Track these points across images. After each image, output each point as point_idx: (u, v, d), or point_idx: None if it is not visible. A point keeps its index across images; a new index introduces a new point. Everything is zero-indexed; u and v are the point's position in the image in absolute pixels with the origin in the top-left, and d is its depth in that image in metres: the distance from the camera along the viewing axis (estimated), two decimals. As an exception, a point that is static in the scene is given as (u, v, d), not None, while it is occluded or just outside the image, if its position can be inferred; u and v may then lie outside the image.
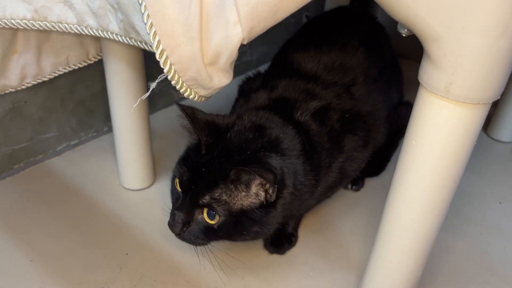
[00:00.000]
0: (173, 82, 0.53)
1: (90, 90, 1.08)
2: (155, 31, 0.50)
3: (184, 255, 0.86)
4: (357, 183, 1.03)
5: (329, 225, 0.96)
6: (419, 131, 0.54)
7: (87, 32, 0.69)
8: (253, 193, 0.68)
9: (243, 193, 0.67)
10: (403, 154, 0.58)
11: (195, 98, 0.57)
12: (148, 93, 0.56)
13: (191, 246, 0.77)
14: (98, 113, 1.13)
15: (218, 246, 0.84)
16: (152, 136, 0.98)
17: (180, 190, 0.71)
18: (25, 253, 0.84)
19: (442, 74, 0.49)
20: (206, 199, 0.67)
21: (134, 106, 0.65)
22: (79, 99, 1.07)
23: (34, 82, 0.88)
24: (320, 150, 0.78)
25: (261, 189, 0.67)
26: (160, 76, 0.55)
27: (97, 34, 0.68)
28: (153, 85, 0.55)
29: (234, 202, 0.67)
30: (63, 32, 0.82)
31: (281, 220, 0.73)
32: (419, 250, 0.65)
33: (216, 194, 0.67)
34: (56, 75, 0.89)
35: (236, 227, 0.69)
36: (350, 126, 0.83)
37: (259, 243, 0.90)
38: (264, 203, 0.68)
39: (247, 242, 0.89)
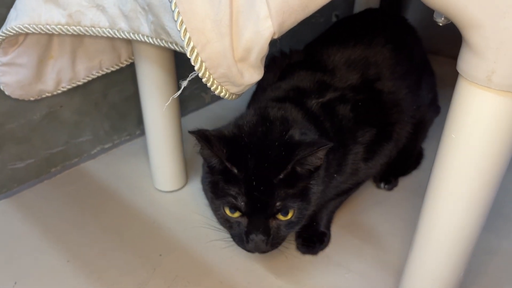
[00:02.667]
0: (204, 80, 0.53)
1: (122, 94, 1.10)
2: (185, 28, 0.50)
3: (217, 256, 0.86)
4: (389, 181, 1.01)
5: (363, 225, 0.93)
6: (459, 124, 0.51)
7: (119, 35, 0.70)
8: (306, 171, 0.69)
9: (302, 177, 0.69)
10: (442, 148, 0.55)
11: (226, 96, 0.57)
12: (179, 92, 0.56)
13: (222, 247, 0.77)
14: (130, 116, 1.15)
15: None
16: (183, 138, 0.99)
17: (239, 215, 0.70)
18: (62, 254, 0.86)
19: (483, 63, 0.46)
20: (278, 205, 0.68)
21: (166, 105, 0.65)
22: (112, 103, 1.09)
23: (69, 86, 0.90)
24: (333, 137, 0.77)
25: (311, 165, 0.69)
26: (191, 74, 0.54)
27: (128, 37, 0.69)
28: (184, 83, 0.55)
29: (298, 188, 0.69)
30: (96, 36, 0.84)
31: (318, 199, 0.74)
32: (460, 251, 0.62)
33: (283, 195, 0.67)
34: (90, 79, 0.91)
35: (306, 206, 0.71)
36: (367, 118, 0.82)
37: (292, 245, 0.88)
38: (312, 169, 0.70)
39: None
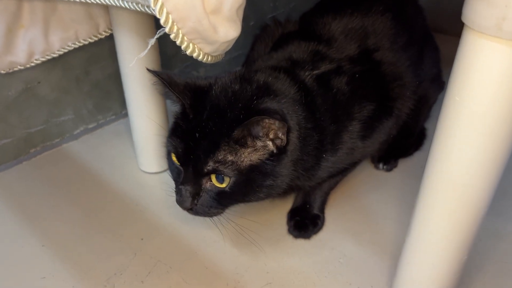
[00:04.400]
0: (172, 36, 0.47)
1: (105, 71, 1.03)
2: (147, -27, 0.43)
3: (203, 240, 0.80)
4: (388, 162, 0.94)
5: (360, 207, 0.87)
6: (464, 83, 0.44)
7: (92, 0, 0.63)
8: (260, 146, 0.62)
9: (250, 149, 0.62)
10: (444, 113, 0.48)
11: (200, 56, 0.51)
12: (146, 51, 0.50)
13: (210, 229, 0.71)
14: (115, 95, 1.09)
15: (242, 228, 0.77)
16: (170, 117, 0.93)
17: (178, 163, 0.64)
18: (38, 238, 0.80)
19: (492, 8, 0.39)
20: (210, 165, 0.61)
21: (131, 65, 0.58)
22: (94, 80, 1.03)
23: (43, 59, 0.84)
24: (325, 112, 0.70)
25: (268, 139, 0.61)
26: (159, 30, 0.48)
27: (102, 2, 0.63)
28: (151, 41, 0.49)
29: (241, 160, 0.61)
30: (70, 3, 0.78)
31: (292, 175, 0.66)
32: (462, 235, 0.56)
33: (220, 157, 0.61)
34: (66, 50, 0.84)
35: (248, 185, 0.63)
36: (363, 91, 0.75)
37: (283, 227, 0.82)
38: (274, 151, 0.62)
39: (270, 226, 0.82)
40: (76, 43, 0.85)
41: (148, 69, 0.62)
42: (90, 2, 0.64)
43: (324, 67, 0.74)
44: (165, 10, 0.45)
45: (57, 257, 0.77)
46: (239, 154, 0.61)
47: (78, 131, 1.05)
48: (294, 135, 0.64)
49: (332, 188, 0.86)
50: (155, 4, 0.44)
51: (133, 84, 0.86)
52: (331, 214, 0.85)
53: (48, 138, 1.01)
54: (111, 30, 0.88)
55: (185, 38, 0.47)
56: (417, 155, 1.00)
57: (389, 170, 0.96)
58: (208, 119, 0.61)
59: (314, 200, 0.83)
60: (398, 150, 0.95)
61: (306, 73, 0.72)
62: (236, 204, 0.68)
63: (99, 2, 0.63)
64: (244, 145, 0.61)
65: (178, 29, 0.46)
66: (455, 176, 0.50)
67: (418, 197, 0.58)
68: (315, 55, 0.76)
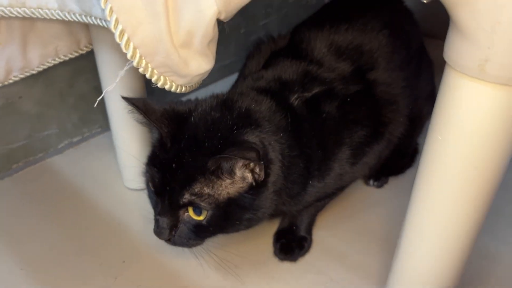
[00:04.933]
0: (140, 70, 0.44)
1: (91, 83, 1.01)
2: (111, 7, 0.41)
3: (186, 262, 0.78)
4: (379, 178, 0.92)
5: (348, 227, 0.85)
6: (446, 123, 0.42)
7: (70, 18, 0.60)
8: (238, 178, 0.59)
9: (228, 181, 0.59)
10: (427, 151, 0.46)
11: (173, 88, 0.48)
12: (115, 84, 0.48)
13: (193, 252, 0.69)
14: (101, 107, 1.05)
15: (225, 255, 0.75)
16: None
17: (154, 194, 0.63)
18: (16, 261, 0.78)
19: (475, 49, 0.37)
20: (186, 197, 0.59)
21: (98, 99, 0.56)
22: (79, 93, 1.01)
23: (22, 76, 0.81)
24: (312, 138, 0.68)
25: (247, 171, 0.59)
26: (128, 63, 0.46)
27: (81, 19, 0.60)
28: (121, 73, 0.47)
29: (219, 192, 0.59)
30: (48, 20, 0.75)
31: (275, 204, 0.64)
32: (452, 259, 0.54)
33: (196, 190, 0.58)
34: (46, 67, 0.82)
35: (227, 218, 0.61)
36: (355, 115, 0.72)
37: (269, 249, 0.80)
38: (253, 184, 0.60)
39: (256, 247, 0.80)
40: (56, 59, 0.82)
41: (123, 97, 0.60)
42: (68, 19, 0.61)
43: (315, 89, 0.71)
44: (131, 45, 0.42)
45: (35, 281, 0.75)
46: (216, 187, 0.59)
47: (62, 145, 1.03)
48: (276, 167, 0.62)
49: (319, 210, 0.83)
50: (121, 39, 0.42)
51: (114, 99, 0.83)
52: (318, 235, 0.83)
53: (31, 153, 0.99)
54: (92, 45, 0.85)
55: (155, 71, 0.45)
56: (408, 171, 0.98)
57: (379, 186, 0.93)
58: (185, 149, 0.59)
59: (301, 222, 0.80)
60: (389, 169, 0.93)
61: (295, 96, 0.70)
62: (215, 235, 0.66)
63: (77, 19, 0.60)
64: (220, 177, 0.59)
65: (146, 63, 0.44)
66: (438, 214, 0.48)
67: (404, 223, 0.56)
68: (305, 76, 0.73)
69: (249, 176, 0.59)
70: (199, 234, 0.62)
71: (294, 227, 0.80)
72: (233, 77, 1.26)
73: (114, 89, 0.81)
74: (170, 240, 0.63)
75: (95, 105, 0.49)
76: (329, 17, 0.84)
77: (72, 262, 0.79)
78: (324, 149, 0.69)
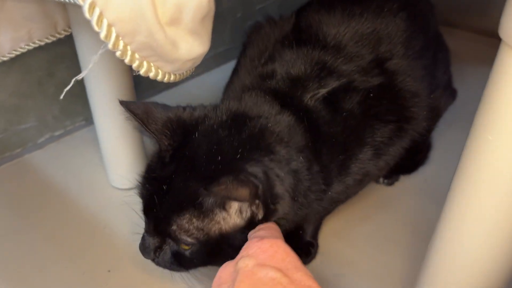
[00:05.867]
0: (118, 54, 0.36)
1: (73, 71, 0.91)
2: (77, -27, 0.32)
3: (177, 273, 0.70)
4: (390, 176, 0.84)
5: (358, 229, 0.77)
6: (500, 119, 0.34)
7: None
8: (233, 213, 0.50)
9: (221, 215, 0.51)
10: (470, 155, 0.38)
11: (159, 77, 0.40)
12: (86, 71, 0.39)
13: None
14: (85, 98, 0.96)
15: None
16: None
17: (142, 211, 0.55)
18: (-11, 270, 0.70)
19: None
20: (172, 229, 0.51)
21: (65, 89, 0.47)
22: (60, 82, 0.91)
23: (-8, 63, 0.72)
24: (332, 144, 0.59)
25: (245, 206, 0.50)
26: (102, 46, 0.37)
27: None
28: (94, 59, 0.38)
29: (209, 227, 0.51)
30: (20, 1, 0.66)
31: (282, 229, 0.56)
32: (493, 270, 0.46)
33: (183, 221, 0.50)
34: (19, 53, 0.73)
35: (214, 255, 0.53)
36: (377, 111, 0.63)
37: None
38: (255, 220, 0.51)
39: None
40: (31, 44, 0.73)
41: (120, 101, 0.51)
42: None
43: (332, 84, 0.62)
44: (105, 21, 0.33)
45: (10, 292, 0.67)
46: (206, 221, 0.51)
47: (42, 139, 0.94)
48: (285, 202, 0.52)
49: (327, 214, 0.75)
50: (91, 14, 0.33)
51: (97, 88, 0.75)
52: (326, 241, 0.75)
53: (7, 149, 0.90)
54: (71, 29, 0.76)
55: (136, 55, 0.36)
56: (420, 168, 0.90)
57: (390, 184, 0.85)
58: (181, 171, 0.51)
59: (308, 226, 0.72)
60: (402, 166, 0.84)
61: (311, 95, 0.61)
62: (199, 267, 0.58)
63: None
64: (212, 210, 0.50)
65: (125, 45, 0.35)
66: (485, 227, 0.40)
67: (437, 228, 0.47)
68: (320, 68, 0.64)
69: (247, 211, 0.50)
70: (182, 263, 0.56)
71: (300, 232, 0.72)
72: (229, 65, 1.17)
73: (97, 78, 0.73)
74: (154, 261, 0.57)
75: (61, 97, 0.40)
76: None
77: (52, 270, 0.70)
78: (345, 153, 0.60)
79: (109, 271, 0.71)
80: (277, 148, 0.53)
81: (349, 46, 0.66)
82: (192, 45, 0.36)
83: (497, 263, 0.43)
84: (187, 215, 0.50)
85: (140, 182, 0.56)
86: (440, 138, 0.92)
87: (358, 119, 0.61)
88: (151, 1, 0.32)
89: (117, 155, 0.82)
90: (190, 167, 0.50)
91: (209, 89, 1.11)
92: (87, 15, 0.33)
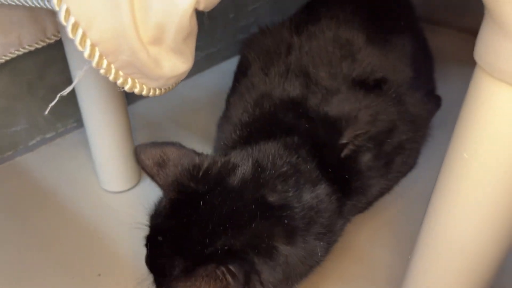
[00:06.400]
0: (102, 72, 0.36)
1: (63, 74, 0.91)
2: (59, -6, 0.32)
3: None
4: None
5: (345, 233, 0.78)
6: (476, 139, 0.35)
7: (25, 3, 0.52)
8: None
9: None
10: (447, 172, 0.39)
11: (144, 92, 0.40)
12: (72, 86, 0.39)
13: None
14: (76, 100, 0.97)
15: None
16: (139, 125, 0.82)
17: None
18: (-22, 274, 0.71)
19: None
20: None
21: (49, 106, 0.47)
22: (50, 84, 0.91)
23: (-19, 68, 0.72)
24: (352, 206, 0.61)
25: None
26: (86, 63, 0.37)
27: (37, 4, 0.51)
28: (79, 75, 0.38)
29: None
30: (6, 5, 0.66)
31: None
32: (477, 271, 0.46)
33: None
34: (8, 58, 0.73)
35: None
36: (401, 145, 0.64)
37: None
38: None
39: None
40: (21, 49, 0.73)
41: (136, 148, 0.50)
42: (24, 4, 0.52)
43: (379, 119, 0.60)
44: (88, 41, 0.34)
45: (0, 297, 0.68)
46: None
47: (33, 141, 0.94)
48: None
49: None
50: (74, 34, 0.33)
51: (87, 91, 0.75)
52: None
53: (-2, 151, 0.90)
54: (60, 34, 0.76)
55: (120, 73, 0.37)
56: (408, 175, 0.90)
57: None
58: (171, 238, 0.48)
59: None
60: None
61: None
62: None
63: (32, 4, 0.51)
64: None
65: (109, 64, 0.36)
66: (458, 241, 0.40)
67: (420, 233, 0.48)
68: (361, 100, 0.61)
69: None
70: None
71: None
72: (221, 66, 1.17)
73: (86, 80, 0.73)
74: None
75: (46, 112, 0.40)
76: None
77: (41, 274, 0.71)
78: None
79: (99, 275, 0.71)
80: (280, 248, 0.49)
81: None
82: (175, 63, 0.36)
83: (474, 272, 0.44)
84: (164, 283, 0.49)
85: (148, 221, 0.54)
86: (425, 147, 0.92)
87: (391, 157, 0.62)
88: (133, 22, 0.33)
89: (108, 158, 0.82)
90: (179, 239, 0.48)
91: (201, 89, 1.11)
92: (70, 35, 0.33)
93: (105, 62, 0.35)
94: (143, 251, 0.72)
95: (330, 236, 0.55)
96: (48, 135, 0.96)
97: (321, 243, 0.52)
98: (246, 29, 1.19)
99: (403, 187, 0.86)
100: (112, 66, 0.36)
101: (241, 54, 0.80)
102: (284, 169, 0.52)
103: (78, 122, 1.00)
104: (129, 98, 0.92)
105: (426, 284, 0.49)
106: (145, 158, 0.51)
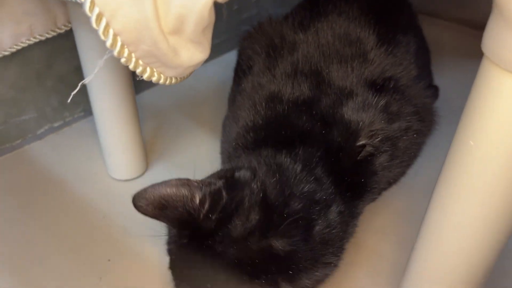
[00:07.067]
0: (122, 60, 0.38)
1: (71, 63, 0.93)
2: (85, -15, 0.34)
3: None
4: None
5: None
6: (482, 126, 0.36)
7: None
8: None
9: None
10: (453, 159, 0.40)
11: (162, 81, 0.41)
12: (92, 75, 0.41)
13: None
14: (84, 89, 0.98)
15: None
16: (146, 115, 0.83)
17: None
18: (-12, 260, 0.72)
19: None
20: None
21: (75, 90, 0.49)
22: (59, 74, 0.92)
23: (-7, 58, 0.73)
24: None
25: None
26: (107, 52, 0.39)
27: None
28: (100, 63, 0.40)
29: None
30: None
31: None
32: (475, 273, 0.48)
33: None
34: (20, 47, 0.74)
35: None
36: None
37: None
38: None
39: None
40: (31, 38, 0.74)
41: (133, 200, 0.50)
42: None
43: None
44: (111, 31, 0.35)
45: (10, 282, 0.69)
46: None
47: (42, 130, 0.96)
48: None
49: None
50: (98, 24, 0.35)
51: (96, 80, 0.76)
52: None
53: (7, 140, 0.91)
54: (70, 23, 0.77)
55: (140, 62, 0.38)
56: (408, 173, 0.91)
57: None
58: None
59: None
60: None
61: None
62: None
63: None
64: None
65: (130, 53, 0.37)
66: (463, 228, 0.42)
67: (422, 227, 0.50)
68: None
69: None
70: None
71: None
72: (225, 57, 1.18)
73: (93, 66, 0.74)
74: None
75: (69, 99, 0.41)
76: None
77: (51, 261, 0.72)
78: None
79: (109, 260, 0.73)
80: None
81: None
82: (193, 53, 0.38)
83: (473, 266, 0.46)
84: None
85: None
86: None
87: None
88: (155, 13, 0.34)
89: (116, 146, 0.83)
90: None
91: (206, 80, 1.12)
92: (94, 25, 0.35)
93: (126, 52, 0.36)
94: (150, 238, 0.75)
95: (341, 249, 0.55)
96: (56, 124, 0.97)
97: (332, 264, 0.53)
98: (249, 21, 1.20)
99: (407, 176, 0.87)
100: (133, 55, 0.37)
101: (241, 50, 0.80)
102: (297, 206, 0.50)
103: (86, 112, 1.01)
104: (135, 88, 0.92)
105: (428, 272, 0.51)
106: (144, 205, 0.50)
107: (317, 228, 0.50)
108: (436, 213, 0.46)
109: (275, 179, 0.50)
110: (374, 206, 0.81)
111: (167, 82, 0.42)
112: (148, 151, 0.91)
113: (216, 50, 1.19)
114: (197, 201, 0.48)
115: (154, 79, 0.40)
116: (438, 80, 0.92)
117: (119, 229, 0.78)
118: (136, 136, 0.84)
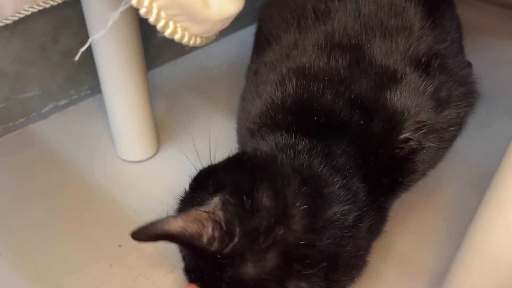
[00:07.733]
0: (142, 11, 0.32)
1: (78, 38, 0.87)
2: None
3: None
4: None
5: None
6: None
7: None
8: None
9: None
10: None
11: (185, 40, 0.36)
12: (105, 30, 0.35)
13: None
14: (91, 65, 0.92)
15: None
16: (157, 94, 0.78)
17: None
18: (-6, 244, 0.68)
19: None
20: None
21: (81, 49, 0.43)
22: (65, 48, 0.87)
23: (-6, 26, 0.68)
24: None
25: None
26: (124, 1, 0.33)
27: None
28: (114, 16, 0.34)
29: None
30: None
31: None
32: None
33: None
34: (22, 16, 0.68)
35: None
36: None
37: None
38: None
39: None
40: (35, 6, 0.68)
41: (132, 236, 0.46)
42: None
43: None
44: (130, -27, 0.30)
45: (17, 268, 0.65)
46: None
47: (46, 108, 0.90)
48: None
49: None
50: (115, -36, 0.29)
51: (106, 54, 0.70)
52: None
53: (10, 118, 0.86)
54: (78, -10, 0.71)
55: (162, 14, 0.33)
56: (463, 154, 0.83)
57: None
58: None
59: None
60: None
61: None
62: None
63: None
64: None
65: (151, 2, 0.31)
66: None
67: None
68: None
69: None
70: None
71: None
72: (238, 35, 1.12)
73: (105, 43, 0.69)
74: None
75: (77, 58, 0.36)
76: None
77: (60, 246, 0.68)
78: None
79: (120, 246, 0.68)
80: None
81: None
82: (225, 3, 0.32)
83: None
84: None
85: None
86: (483, 122, 0.80)
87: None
88: (183, -50, 0.28)
89: (126, 126, 0.78)
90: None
91: (218, 58, 1.06)
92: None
93: (147, 0, 0.31)
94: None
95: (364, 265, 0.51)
96: (61, 102, 0.92)
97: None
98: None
99: (458, 170, 0.79)
100: (154, 5, 0.31)
101: (265, 17, 0.74)
102: (324, 244, 0.43)
103: (92, 90, 0.96)
104: (157, 60, 0.86)
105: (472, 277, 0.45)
106: (145, 240, 0.48)
107: (342, 256, 0.45)
108: (488, 213, 0.40)
109: (305, 206, 0.43)
110: (415, 201, 0.74)
111: (191, 41, 0.36)
112: (159, 131, 0.86)
113: (229, 27, 1.13)
114: (205, 240, 0.44)
115: (177, 36, 0.35)
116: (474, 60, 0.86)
117: (130, 212, 0.73)
118: (147, 115, 0.78)
